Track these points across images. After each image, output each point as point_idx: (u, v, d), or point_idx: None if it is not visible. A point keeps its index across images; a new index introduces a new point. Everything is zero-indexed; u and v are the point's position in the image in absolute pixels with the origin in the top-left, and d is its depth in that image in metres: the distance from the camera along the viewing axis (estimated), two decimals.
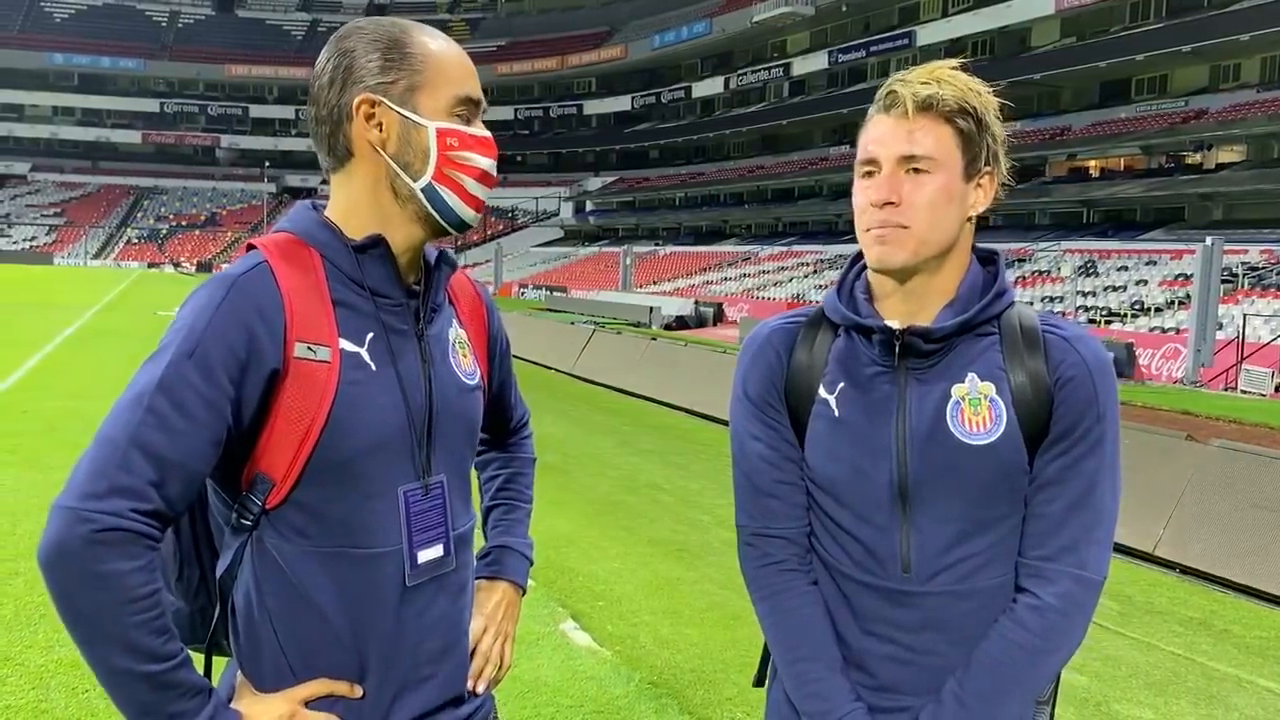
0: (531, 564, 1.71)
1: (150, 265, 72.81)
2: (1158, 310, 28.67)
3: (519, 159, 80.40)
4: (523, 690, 4.11)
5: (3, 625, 4.53)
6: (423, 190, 1.37)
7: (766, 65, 63.23)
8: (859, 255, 1.56)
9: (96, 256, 77.31)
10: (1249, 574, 6.17)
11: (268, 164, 79.96)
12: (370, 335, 1.35)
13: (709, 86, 68.00)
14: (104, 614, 1.17)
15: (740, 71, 64.94)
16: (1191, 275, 23.90)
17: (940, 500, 1.45)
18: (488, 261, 60.18)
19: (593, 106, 78.93)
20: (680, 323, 33.83)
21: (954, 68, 1.46)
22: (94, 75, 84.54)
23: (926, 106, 1.42)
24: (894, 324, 1.47)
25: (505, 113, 80.00)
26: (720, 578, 5.89)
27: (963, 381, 1.46)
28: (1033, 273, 35.83)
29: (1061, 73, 44.96)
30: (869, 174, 1.46)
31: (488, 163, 1.40)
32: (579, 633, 4.91)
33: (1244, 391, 20.02)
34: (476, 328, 1.57)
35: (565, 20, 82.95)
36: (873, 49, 54.44)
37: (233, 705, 1.31)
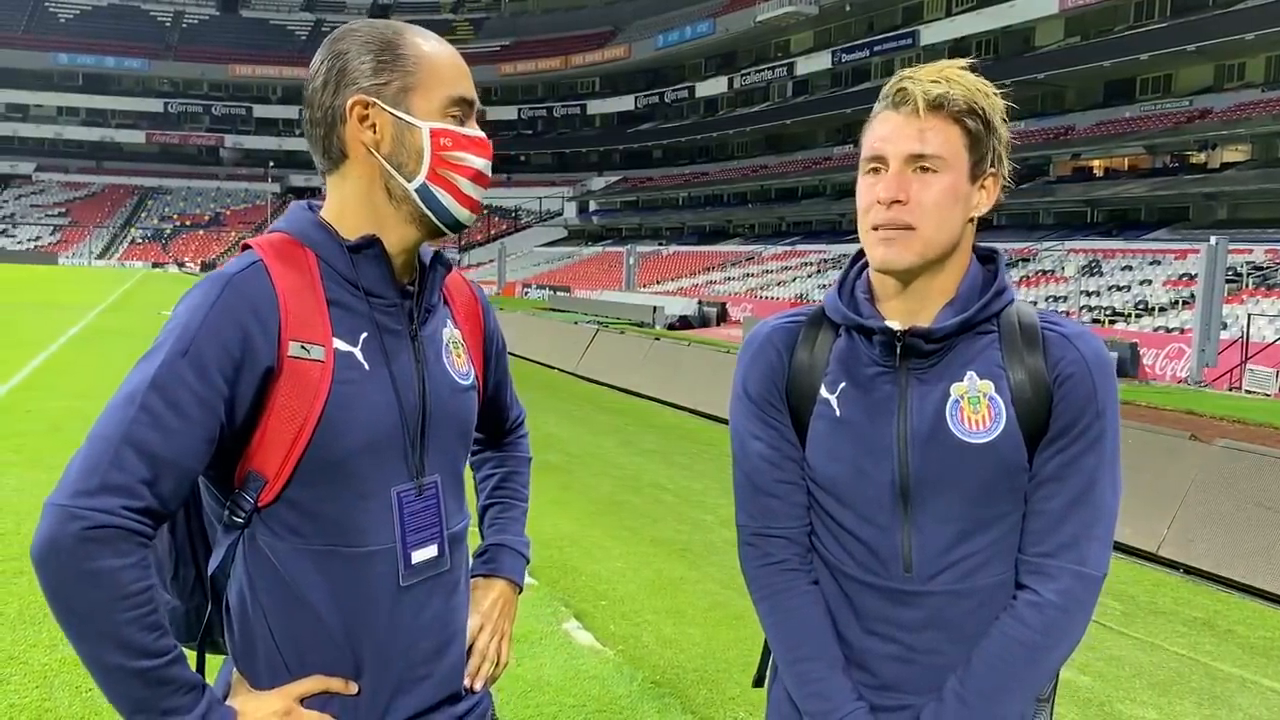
0: (528, 562, 1.71)
1: (154, 265, 72.92)
2: (1162, 310, 28.63)
3: (523, 159, 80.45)
4: (525, 690, 4.11)
5: (7, 624, 4.54)
6: (417, 191, 1.37)
7: (770, 65, 63.22)
8: (859, 254, 1.55)
9: (101, 256, 77.48)
10: (1253, 574, 6.16)
11: (272, 164, 79.91)
12: (364, 335, 1.35)
13: (712, 86, 67.98)
14: (96, 610, 1.18)
15: (744, 71, 64.93)
16: (1196, 275, 23.89)
17: (941, 499, 1.44)
18: (491, 261, 60.25)
19: (596, 106, 78.92)
20: (684, 322, 33.83)
21: (963, 68, 1.45)
22: (98, 75, 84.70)
23: (937, 106, 1.41)
24: (895, 324, 1.47)
25: (509, 112, 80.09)
26: (723, 577, 5.88)
27: (962, 380, 1.45)
28: (1037, 272, 35.80)
29: (1065, 72, 44.90)
30: (875, 170, 1.45)
31: (482, 163, 1.40)
32: (582, 632, 4.91)
33: (1248, 391, 20.01)
34: (472, 328, 1.57)
35: (569, 20, 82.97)
36: (876, 49, 54.41)
37: (228, 702, 1.31)
